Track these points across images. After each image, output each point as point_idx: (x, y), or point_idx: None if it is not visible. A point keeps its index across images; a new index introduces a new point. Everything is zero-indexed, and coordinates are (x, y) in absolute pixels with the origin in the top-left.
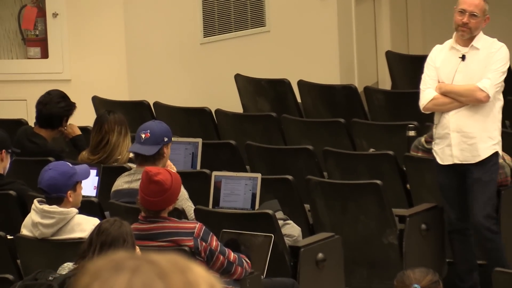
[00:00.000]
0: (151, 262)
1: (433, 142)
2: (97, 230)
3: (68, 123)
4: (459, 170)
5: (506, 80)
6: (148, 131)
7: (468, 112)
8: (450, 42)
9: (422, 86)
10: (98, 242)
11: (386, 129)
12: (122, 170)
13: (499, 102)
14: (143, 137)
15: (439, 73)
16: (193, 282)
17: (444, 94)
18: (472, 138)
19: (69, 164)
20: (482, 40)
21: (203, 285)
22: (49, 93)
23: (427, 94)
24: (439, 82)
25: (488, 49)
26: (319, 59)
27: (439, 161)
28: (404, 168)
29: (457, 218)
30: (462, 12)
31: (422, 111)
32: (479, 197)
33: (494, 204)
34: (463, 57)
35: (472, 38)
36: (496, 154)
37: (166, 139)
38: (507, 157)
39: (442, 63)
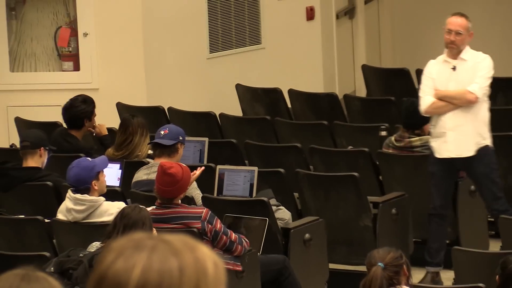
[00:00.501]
0: (165, 241)
1: (430, 139)
2: (120, 215)
3: (98, 123)
4: (454, 164)
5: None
6: (167, 129)
7: (461, 113)
8: (442, 57)
9: (421, 94)
10: (121, 225)
11: (362, 130)
12: (141, 164)
13: (486, 104)
14: (162, 133)
15: (435, 83)
16: (201, 259)
17: (440, 98)
18: (465, 135)
19: (89, 159)
20: (468, 52)
21: (208, 261)
22: (71, 99)
23: (427, 100)
24: (436, 88)
25: (474, 60)
26: (306, 71)
27: (436, 155)
28: (377, 163)
29: (440, 205)
30: (449, 31)
31: (424, 115)
32: (489, 188)
33: (499, 187)
34: (454, 68)
35: (460, 52)
36: (486, 147)
37: (181, 138)
38: None
39: (437, 74)
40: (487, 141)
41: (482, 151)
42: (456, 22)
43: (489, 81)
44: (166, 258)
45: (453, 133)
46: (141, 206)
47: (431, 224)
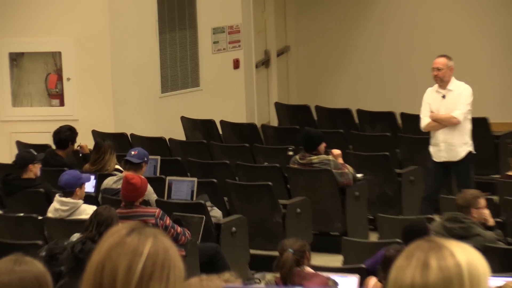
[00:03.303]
0: (143, 227)
1: (429, 146)
2: (95, 213)
3: (83, 144)
4: (445, 166)
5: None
6: (137, 150)
7: (449, 130)
8: (435, 87)
9: (421, 115)
10: (96, 221)
11: (274, 150)
12: (109, 175)
13: (468, 122)
14: (132, 153)
15: (431, 107)
16: (168, 244)
17: (434, 120)
18: (453, 145)
19: (78, 171)
20: (453, 83)
21: (173, 247)
22: (60, 127)
23: (425, 121)
24: (431, 112)
25: (458, 90)
26: (233, 107)
27: (434, 159)
28: (286, 175)
29: (432, 193)
30: (433, 69)
31: (423, 131)
32: (464, 182)
33: (472, 182)
34: (444, 96)
35: (447, 83)
36: (469, 153)
37: (146, 159)
38: (350, 168)
39: (432, 100)
40: (470, 148)
41: (465, 157)
42: (437, 60)
43: (469, 107)
44: (165, 241)
45: (445, 144)
46: (110, 207)
47: (422, 205)
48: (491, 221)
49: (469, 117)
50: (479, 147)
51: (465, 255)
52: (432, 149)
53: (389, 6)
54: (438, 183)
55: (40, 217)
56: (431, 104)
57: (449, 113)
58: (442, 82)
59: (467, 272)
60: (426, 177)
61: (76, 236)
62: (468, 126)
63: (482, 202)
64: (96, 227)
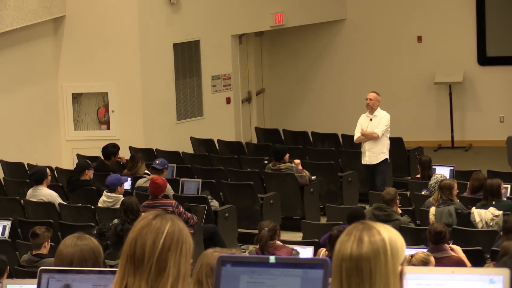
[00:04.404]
0: (172, 217)
1: (362, 152)
2: (121, 203)
3: (122, 156)
4: (370, 168)
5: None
6: (160, 160)
7: (373, 142)
8: (366, 113)
9: (356, 131)
10: (122, 208)
11: (255, 160)
12: (140, 177)
13: (386, 137)
14: (157, 162)
15: (362, 126)
16: (181, 225)
17: (363, 134)
18: (374, 153)
19: (119, 175)
20: (378, 111)
21: (185, 228)
22: (107, 144)
23: (357, 134)
24: (362, 129)
25: (380, 115)
26: (226, 130)
27: (363, 162)
28: (263, 177)
29: (369, 187)
30: (367, 99)
31: (355, 142)
32: (379, 179)
33: (384, 180)
34: (371, 119)
35: (374, 110)
36: (385, 159)
37: (166, 166)
38: (307, 172)
39: (363, 122)
40: (386, 156)
41: (382, 162)
42: (370, 94)
43: (387, 126)
44: (179, 223)
45: (369, 152)
46: (130, 196)
47: None
48: (399, 210)
49: (387, 134)
50: (396, 157)
51: (388, 233)
52: (363, 156)
53: (333, 58)
54: (368, 180)
55: (93, 206)
56: (362, 124)
57: (372, 130)
58: (372, 110)
59: (389, 245)
60: (366, 177)
61: (116, 220)
62: (386, 141)
63: (397, 197)
64: (124, 212)
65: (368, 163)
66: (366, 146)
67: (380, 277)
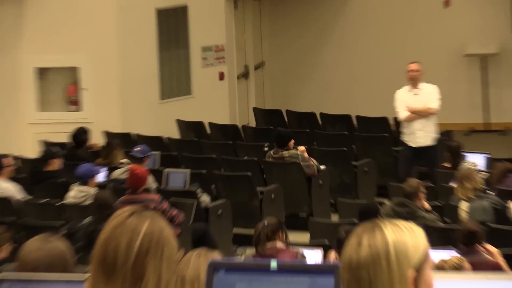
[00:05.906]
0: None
1: (402, 135)
2: (94, 198)
3: (94, 143)
4: (419, 151)
5: None
6: (140, 147)
7: (426, 120)
8: (407, 87)
9: (399, 109)
10: (96, 204)
11: (253, 147)
12: (116, 168)
13: (436, 115)
14: (136, 149)
15: (407, 102)
16: (163, 224)
17: (414, 112)
18: (428, 132)
19: (92, 164)
20: (423, 84)
21: (167, 227)
22: (77, 128)
23: (403, 113)
24: (407, 107)
25: (427, 88)
26: (219, 111)
27: (410, 144)
28: (262, 167)
29: (404, 176)
30: (409, 71)
31: (403, 121)
32: (435, 163)
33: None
34: (415, 94)
35: (417, 83)
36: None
37: (148, 154)
38: (314, 160)
39: (407, 98)
40: (437, 135)
41: (435, 143)
42: (412, 65)
43: (439, 100)
44: (160, 222)
45: (421, 132)
46: (103, 190)
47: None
48: (426, 206)
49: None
50: None
51: (395, 234)
52: (407, 137)
53: (345, 28)
54: (409, 167)
55: (60, 203)
56: (407, 101)
57: (426, 106)
58: (415, 82)
59: (393, 248)
60: (401, 164)
61: (88, 219)
62: (436, 119)
63: (423, 190)
64: (97, 209)
65: (422, 145)
66: (416, 126)
67: (382, 286)
